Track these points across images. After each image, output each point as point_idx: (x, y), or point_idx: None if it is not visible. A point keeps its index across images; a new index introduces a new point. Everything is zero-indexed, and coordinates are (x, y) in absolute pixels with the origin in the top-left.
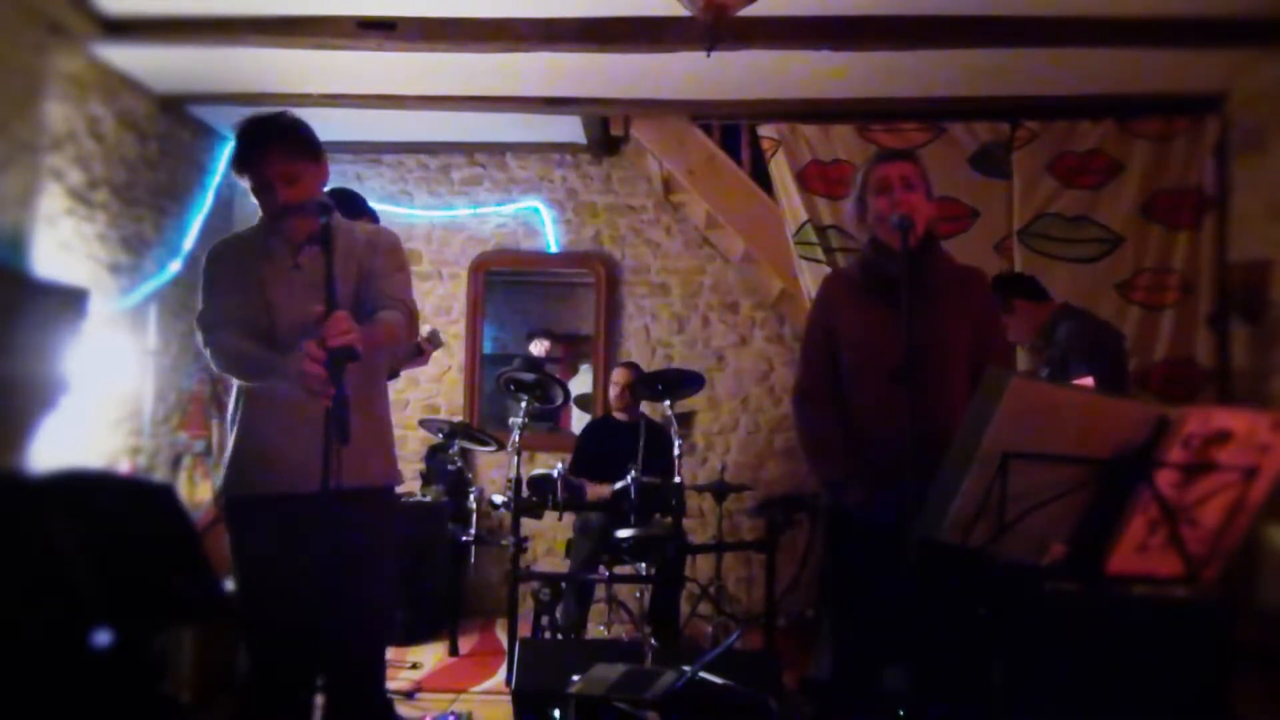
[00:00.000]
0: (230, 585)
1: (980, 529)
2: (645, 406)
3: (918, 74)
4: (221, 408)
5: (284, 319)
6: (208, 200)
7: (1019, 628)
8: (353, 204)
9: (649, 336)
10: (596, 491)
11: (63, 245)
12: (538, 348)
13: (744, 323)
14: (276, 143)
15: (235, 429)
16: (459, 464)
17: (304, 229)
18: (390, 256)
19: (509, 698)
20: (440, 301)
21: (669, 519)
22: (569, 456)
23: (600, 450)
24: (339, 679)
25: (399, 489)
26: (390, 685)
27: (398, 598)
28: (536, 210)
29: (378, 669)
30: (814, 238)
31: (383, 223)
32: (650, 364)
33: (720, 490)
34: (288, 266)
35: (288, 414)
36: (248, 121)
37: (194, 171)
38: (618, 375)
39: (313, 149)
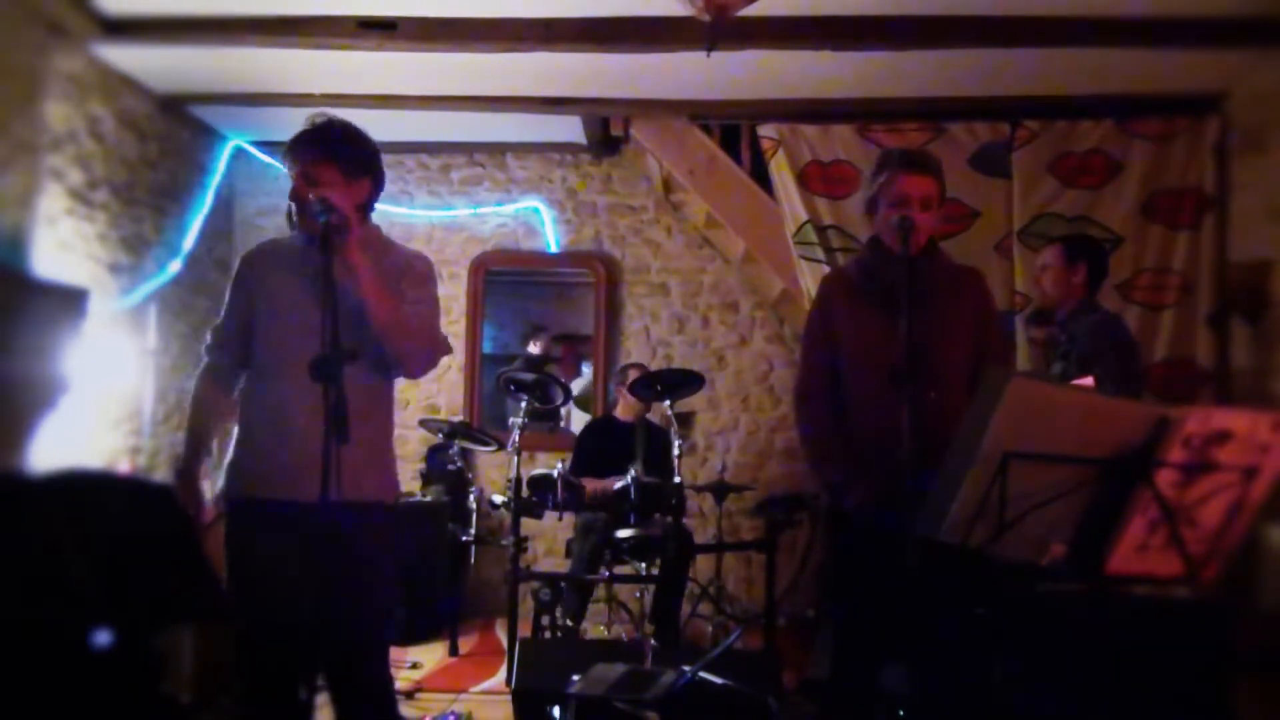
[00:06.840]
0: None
1: (980, 529)
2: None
3: (918, 74)
4: None
5: (286, 324)
6: (208, 200)
7: (1019, 628)
8: None
9: (649, 336)
10: (599, 485)
11: (63, 245)
12: (536, 346)
13: (744, 323)
14: (311, 142)
15: (236, 431)
16: (459, 464)
17: (315, 229)
18: (420, 287)
19: (509, 698)
20: (440, 302)
21: (670, 519)
22: (569, 456)
23: (600, 450)
24: (343, 679)
25: (398, 494)
26: None
27: (398, 599)
28: (536, 210)
29: (381, 669)
30: (814, 238)
31: (383, 223)
32: (650, 364)
33: (720, 490)
34: (300, 273)
35: (287, 419)
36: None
37: (194, 171)
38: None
39: (345, 160)
